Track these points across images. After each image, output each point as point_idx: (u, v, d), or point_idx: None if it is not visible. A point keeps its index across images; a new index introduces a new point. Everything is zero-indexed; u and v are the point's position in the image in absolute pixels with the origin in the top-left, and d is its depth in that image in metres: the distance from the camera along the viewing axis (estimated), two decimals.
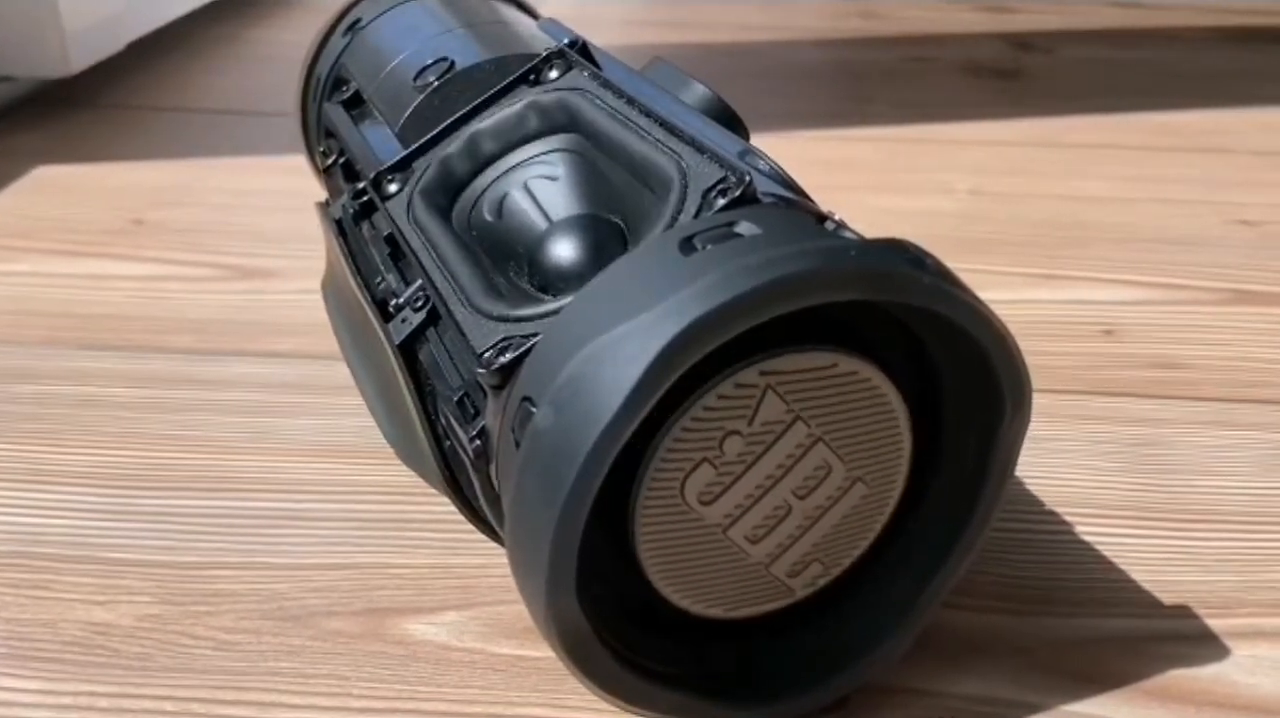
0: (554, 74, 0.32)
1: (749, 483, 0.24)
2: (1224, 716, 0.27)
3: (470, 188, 0.31)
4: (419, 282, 0.29)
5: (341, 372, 0.33)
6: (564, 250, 0.28)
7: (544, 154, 0.31)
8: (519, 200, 0.30)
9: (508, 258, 0.29)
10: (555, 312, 0.25)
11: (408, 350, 0.29)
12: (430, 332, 0.29)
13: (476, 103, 0.32)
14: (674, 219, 0.26)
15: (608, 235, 0.28)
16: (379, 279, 0.31)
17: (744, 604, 0.25)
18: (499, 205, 0.30)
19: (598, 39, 0.34)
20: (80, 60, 0.65)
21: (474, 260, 0.29)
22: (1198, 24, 0.85)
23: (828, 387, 0.23)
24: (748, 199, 0.25)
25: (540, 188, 0.30)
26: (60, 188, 0.56)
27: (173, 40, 0.76)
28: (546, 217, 0.29)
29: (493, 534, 0.29)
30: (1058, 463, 0.36)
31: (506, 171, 0.31)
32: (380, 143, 0.35)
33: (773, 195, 0.26)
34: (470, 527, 0.29)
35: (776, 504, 0.24)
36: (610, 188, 0.29)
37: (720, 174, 0.26)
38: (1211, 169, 0.59)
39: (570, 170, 0.30)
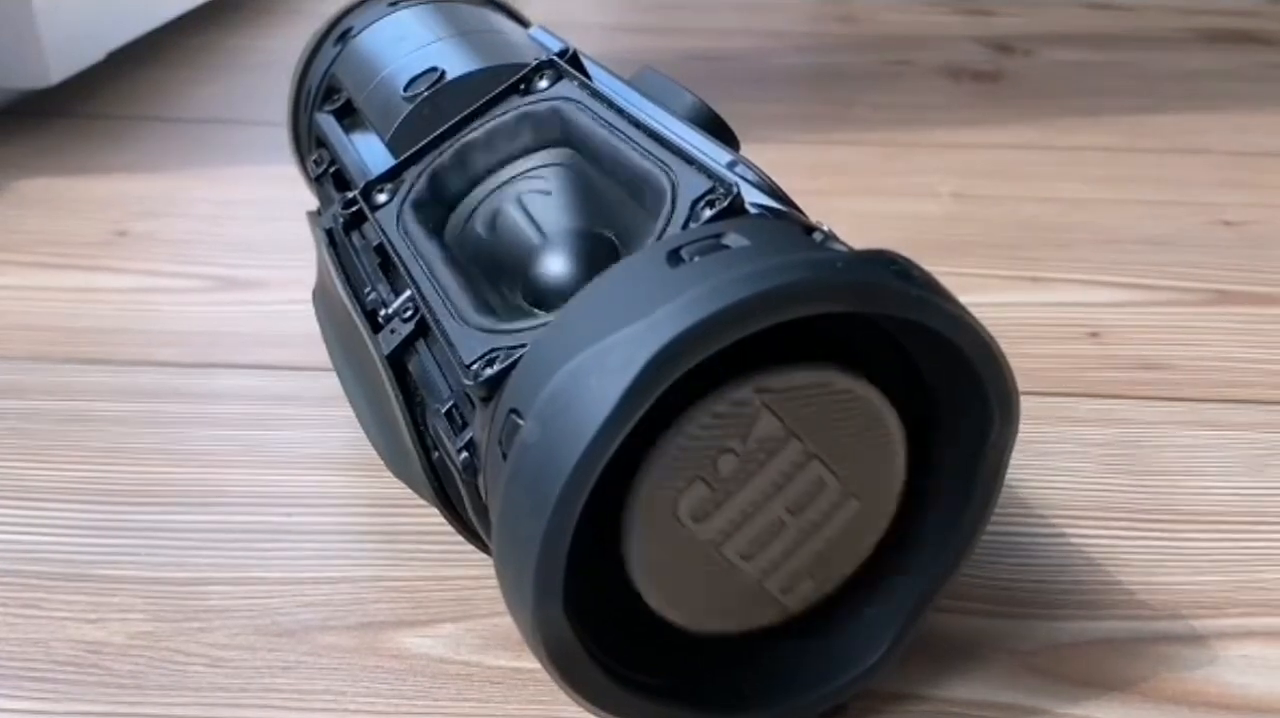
0: (544, 83, 0.32)
1: (742, 500, 0.24)
2: (1216, 716, 0.27)
3: (464, 203, 0.31)
4: (408, 292, 0.29)
5: (332, 383, 0.33)
6: (557, 266, 0.28)
7: (537, 169, 0.31)
8: (512, 215, 0.30)
9: (501, 273, 0.29)
10: (543, 323, 0.25)
11: (396, 361, 0.29)
12: (419, 343, 0.28)
13: (467, 113, 0.32)
14: (663, 231, 0.26)
15: (601, 251, 0.28)
16: (369, 289, 0.31)
17: (736, 620, 0.25)
18: (492, 220, 0.30)
19: (580, 45, 0.34)
20: (60, 71, 0.64)
21: (463, 272, 0.28)
22: (1174, 26, 0.86)
23: (823, 404, 0.23)
24: (735, 210, 0.25)
25: (534, 203, 0.30)
26: (42, 200, 0.56)
27: (153, 49, 0.76)
28: (540, 231, 0.29)
29: (482, 546, 0.29)
30: (1046, 466, 0.36)
31: (500, 186, 0.31)
32: (370, 153, 0.35)
33: (761, 206, 0.26)
34: (463, 538, 0.29)
35: (770, 521, 0.24)
36: (603, 202, 0.29)
37: (708, 185, 0.26)
38: (1191, 170, 0.60)
39: (563, 185, 0.30)
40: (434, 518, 0.30)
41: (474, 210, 0.31)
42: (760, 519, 0.24)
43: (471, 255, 0.30)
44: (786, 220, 0.25)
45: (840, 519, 0.25)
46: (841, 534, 0.25)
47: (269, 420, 0.38)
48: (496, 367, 0.24)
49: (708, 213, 0.25)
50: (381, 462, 0.31)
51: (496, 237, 0.30)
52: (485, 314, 0.27)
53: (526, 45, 0.37)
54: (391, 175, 0.32)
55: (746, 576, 0.25)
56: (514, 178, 0.31)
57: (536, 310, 0.28)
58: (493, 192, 0.31)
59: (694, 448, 0.23)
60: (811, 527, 0.25)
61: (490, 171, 0.31)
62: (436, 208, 0.31)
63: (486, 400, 0.24)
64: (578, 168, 0.30)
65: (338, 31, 0.40)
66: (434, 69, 0.35)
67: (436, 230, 0.30)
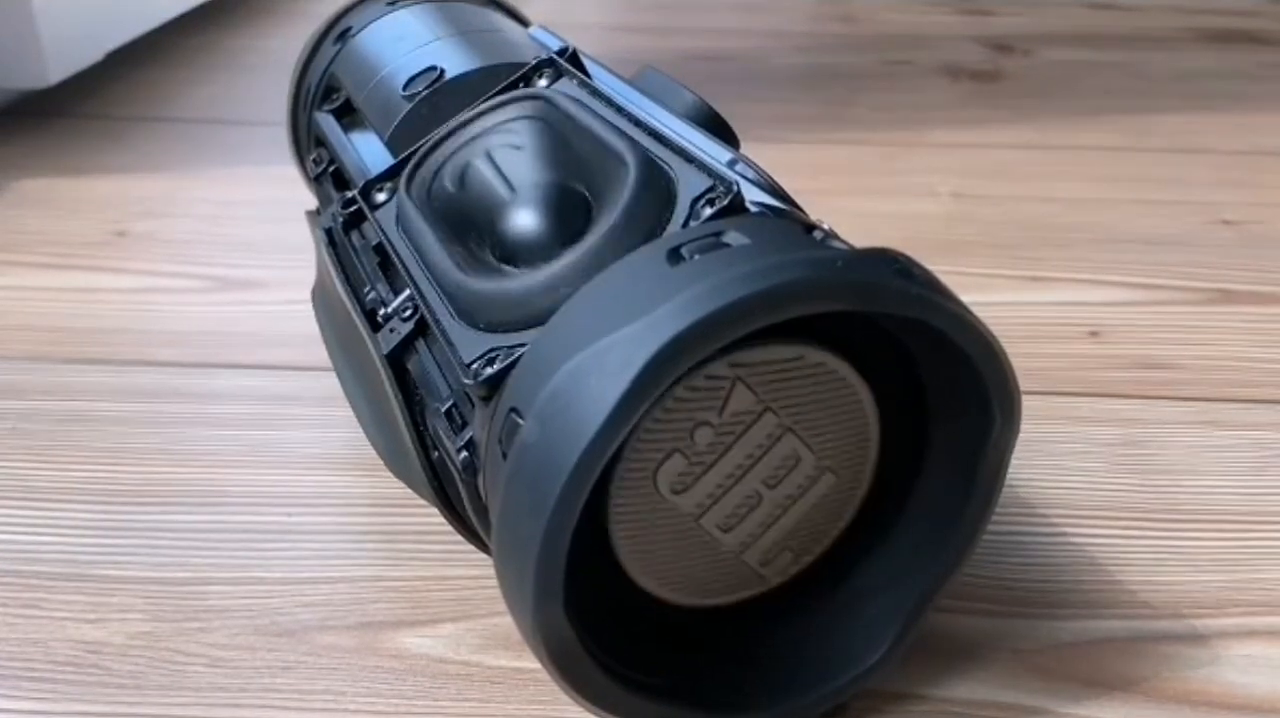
0: (543, 82, 0.32)
1: (720, 473, 0.24)
2: (1218, 715, 0.27)
3: (432, 158, 0.30)
4: (407, 292, 0.29)
5: (331, 383, 0.33)
6: (527, 220, 0.28)
7: (508, 122, 0.30)
8: (482, 169, 0.29)
9: (469, 228, 0.29)
10: (542, 321, 0.24)
11: (396, 361, 0.29)
12: (419, 342, 0.28)
13: (465, 112, 0.32)
14: (662, 229, 0.26)
15: (572, 205, 0.28)
16: (368, 289, 0.31)
17: (717, 593, 0.26)
18: (461, 175, 0.30)
19: (580, 45, 0.34)
20: (59, 71, 0.64)
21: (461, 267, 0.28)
22: (1174, 26, 0.86)
23: (796, 378, 0.24)
24: (735, 208, 0.25)
25: (504, 157, 0.29)
26: (42, 200, 0.56)
27: (152, 49, 0.76)
28: (510, 186, 0.29)
29: (482, 546, 0.29)
30: (1047, 465, 0.36)
31: (469, 141, 0.30)
32: (370, 152, 0.35)
33: (761, 204, 0.26)
34: (463, 538, 0.29)
35: (747, 493, 0.25)
36: (575, 157, 0.29)
37: (708, 183, 0.26)
38: (1190, 169, 0.60)
39: (535, 139, 0.30)
40: (434, 518, 0.30)
41: (442, 166, 0.30)
42: (738, 492, 0.25)
43: (440, 211, 0.29)
44: (787, 219, 0.25)
45: (816, 493, 0.25)
46: (818, 508, 0.26)
47: (269, 421, 0.38)
48: (496, 366, 0.24)
49: (708, 211, 0.25)
50: (381, 462, 0.31)
51: (465, 192, 0.29)
52: (474, 276, 0.26)
53: (526, 44, 0.37)
54: (390, 174, 0.32)
55: (726, 548, 0.25)
56: (484, 132, 0.30)
57: (505, 266, 0.27)
58: (462, 146, 0.30)
59: (670, 420, 0.23)
60: (788, 500, 0.25)
61: (460, 128, 0.30)
62: (422, 188, 0.30)
63: (486, 400, 0.24)
64: (549, 121, 0.30)
65: (337, 31, 0.40)
66: (433, 68, 0.35)
67: (431, 221, 0.30)
